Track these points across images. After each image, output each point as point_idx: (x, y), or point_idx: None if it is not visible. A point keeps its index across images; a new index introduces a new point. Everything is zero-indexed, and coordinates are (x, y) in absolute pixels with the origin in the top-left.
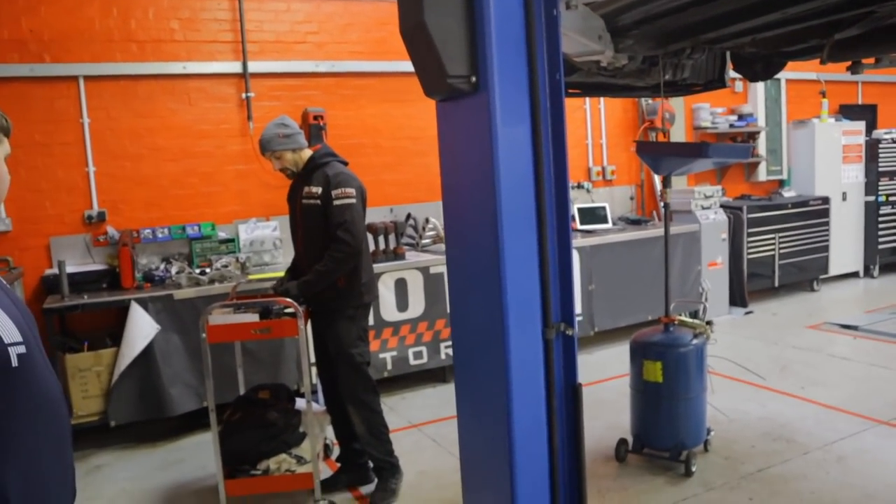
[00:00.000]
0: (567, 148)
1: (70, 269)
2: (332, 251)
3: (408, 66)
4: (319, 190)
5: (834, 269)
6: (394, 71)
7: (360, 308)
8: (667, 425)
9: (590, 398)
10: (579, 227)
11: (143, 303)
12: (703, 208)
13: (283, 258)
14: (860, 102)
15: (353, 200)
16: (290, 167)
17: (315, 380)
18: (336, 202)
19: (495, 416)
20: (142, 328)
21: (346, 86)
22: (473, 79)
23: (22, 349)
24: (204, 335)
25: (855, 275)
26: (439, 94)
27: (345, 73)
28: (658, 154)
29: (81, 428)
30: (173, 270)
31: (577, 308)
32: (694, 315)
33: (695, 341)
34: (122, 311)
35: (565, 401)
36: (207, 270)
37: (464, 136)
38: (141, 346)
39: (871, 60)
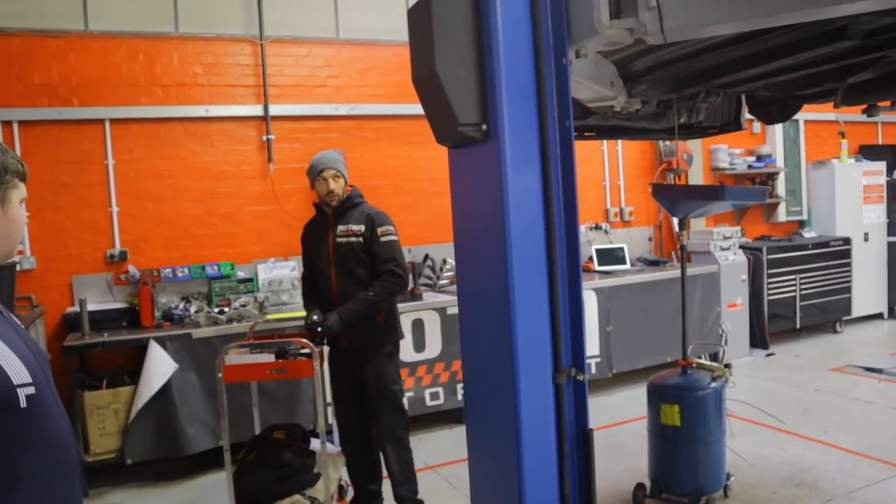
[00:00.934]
0: (577, 194)
1: (91, 307)
2: (384, 282)
3: None
4: (362, 228)
5: (857, 311)
6: (413, 114)
7: (397, 345)
8: (685, 470)
9: (607, 441)
10: (597, 267)
11: (161, 341)
12: (723, 249)
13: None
14: (880, 143)
15: (397, 238)
16: (339, 194)
17: (331, 419)
18: (383, 239)
19: (506, 461)
20: (160, 366)
21: (366, 128)
22: (484, 127)
23: (31, 390)
24: (220, 375)
25: (879, 316)
26: (451, 141)
27: (364, 116)
28: (674, 197)
29: (97, 465)
30: (192, 309)
31: (595, 349)
32: (714, 357)
33: (713, 384)
34: (140, 349)
35: (576, 447)
36: (226, 310)
37: (475, 182)
38: (159, 384)
39: (887, 103)
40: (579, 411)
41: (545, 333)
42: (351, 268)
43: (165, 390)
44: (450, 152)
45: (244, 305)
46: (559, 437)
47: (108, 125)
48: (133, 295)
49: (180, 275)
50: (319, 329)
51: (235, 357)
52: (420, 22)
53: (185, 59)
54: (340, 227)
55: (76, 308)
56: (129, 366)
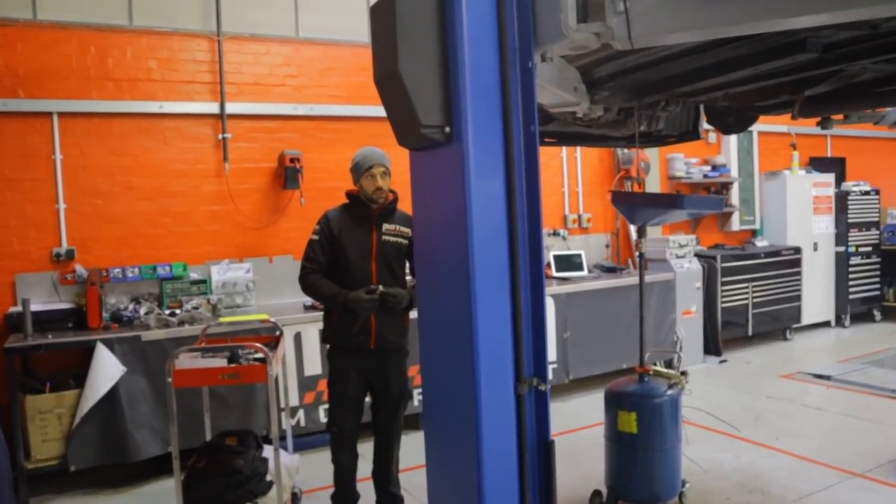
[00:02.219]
0: (541, 200)
1: (35, 307)
2: None
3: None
4: (410, 231)
5: (806, 319)
6: (372, 116)
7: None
8: (642, 477)
9: (564, 447)
10: (555, 274)
11: (109, 344)
12: (678, 257)
13: (256, 300)
14: (829, 155)
15: None
16: (387, 191)
17: (284, 424)
18: None
19: (465, 471)
20: (107, 370)
21: (324, 129)
22: (447, 129)
23: None
24: (169, 380)
25: (827, 324)
26: (413, 143)
27: (323, 117)
28: (633, 204)
29: (39, 472)
30: (142, 311)
31: (552, 356)
32: (668, 364)
33: (669, 392)
34: (87, 351)
35: (537, 457)
36: (177, 312)
37: (437, 186)
38: (106, 388)
39: (840, 116)
40: (540, 421)
41: (507, 342)
42: (392, 265)
43: (112, 394)
44: (411, 155)
45: (196, 308)
46: (520, 447)
47: (55, 119)
48: (80, 295)
49: (130, 275)
50: (397, 303)
51: (186, 361)
52: (383, 20)
53: (138, 53)
54: (387, 226)
55: (19, 308)
56: (75, 369)
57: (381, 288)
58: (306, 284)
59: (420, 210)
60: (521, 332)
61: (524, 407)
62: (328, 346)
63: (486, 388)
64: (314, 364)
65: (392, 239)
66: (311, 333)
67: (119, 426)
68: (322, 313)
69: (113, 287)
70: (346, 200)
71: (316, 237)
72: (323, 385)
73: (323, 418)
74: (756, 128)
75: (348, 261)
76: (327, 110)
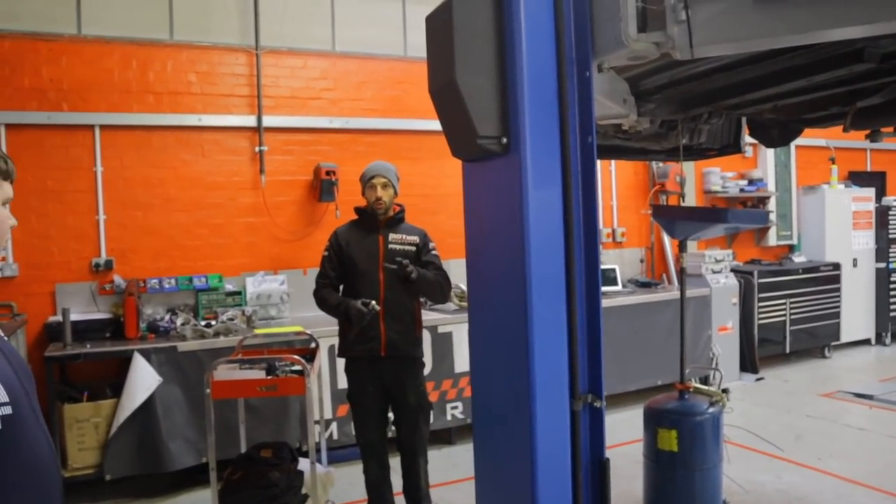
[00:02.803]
0: (598, 213)
1: (74, 316)
2: (443, 281)
3: (421, 124)
4: (416, 239)
5: (846, 336)
6: (406, 129)
7: None
8: (682, 496)
9: None
10: None
11: (146, 354)
12: (714, 272)
13: (290, 312)
14: (869, 169)
15: None
16: (386, 202)
17: (316, 438)
18: (433, 252)
19: (518, 489)
20: (143, 380)
21: (359, 142)
22: (504, 140)
23: (8, 410)
24: (208, 391)
25: (867, 342)
26: (468, 154)
27: (358, 130)
28: (674, 218)
29: (75, 481)
30: (178, 322)
31: None
32: (704, 380)
33: (711, 409)
34: (124, 361)
35: (592, 476)
36: (213, 323)
37: (492, 197)
38: (142, 398)
39: (891, 129)
40: (595, 439)
41: (562, 357)
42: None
43: (148, 404)
44: (465, 166)
45: (231, 319)
46: (574, 465)
47: (97, 131)
48: (118, 305)
49: (167, 286)
50: (402, 269)
51: (224, 373)
52: (439, 29)
53: (178, 66)
54: (393, 235)
55: (58, 317)
56: (112, 378)
57: (373, 303)
58: (318, 299)
59: (473, 221)
60: (576, 347)
61: (579, 424)
62: (344, 359)
63: (541, 403)
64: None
65: (399, 247)
66: None
67: (154, 436)
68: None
69: (150, 298)
70: (355, 215)
71: (326, 253)
72: None
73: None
74: (793, 142)
75: (357, 269)
76: (362, 123)
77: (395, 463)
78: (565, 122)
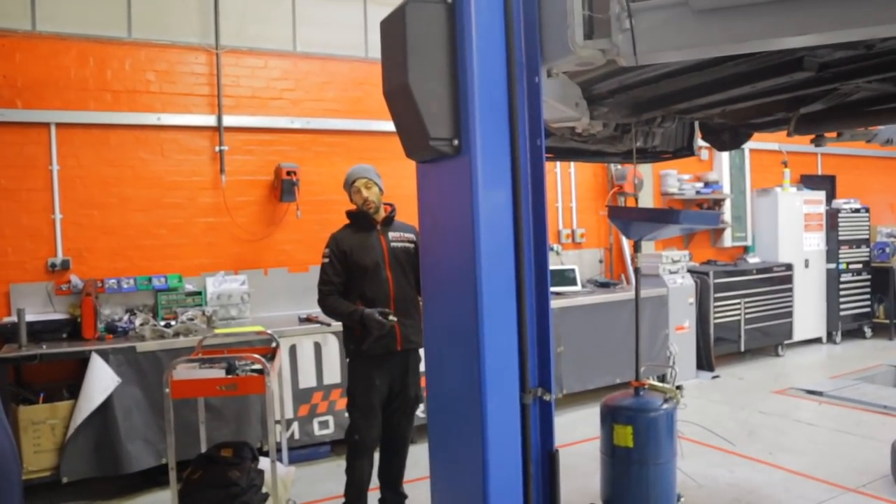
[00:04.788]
0: (546, 213)
1: (29, 317)
2: None
3: (382, 125)
4: (413, 236)
5: (798, 335)
6: (368, 130)
7: None
8: (637, 491)
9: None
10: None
11: (104, 354)
12: (671, 272)
13: (251, 312)
14: (820, 173)
15: None
16: (375, 201)
17: (279, 437)
18: None
19: (471, 482)
20: (101, 380)
21: (320, 143)
22: (456, 142)
23: None
24: (167, 390)
25: (818, 340)
26: (421, 155)
27: (319, 130)
28: (629, 219)
29: (31, 484)
30: (137, 322)
31: None
32: (661, 378)
33: (665, 406)
34: (81, 362)
35: (542, 468)
36: (172, 323)
37: (444, 197)
38: (100, 399)
39: (834, 134)
40: (545, 432)
41: (513, 352)
42: (405, 269)
43: (106, 405)
44: (418, 167)
45: (191, 319)
46: (524, 457)
47: (53, 129)
48: (75, 306)
49: (125, 286)
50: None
51: (184, 372)
52: (393, 34)
53: (137, 65)
54: (393, 234)
55: (13, 318)
56: (69, 379)
57: (392, 317)
58: (325, 306)
59: (427, 221)
60: (526, 343)
61: (529, 417)
62: (350, 358)
63: (491, 397)
64: (309, 376)
65: (400, 245)
66: (306, 346)
67: (112, 438)
68: (342, 328)
69: (108, 298)
70: (347, 220)
71: (327, 260)
72: (317, 398)
73: (318, 430)
74: (748, 145)
75: (365, 272)
76: (324, 124)
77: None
78: (515, 125)
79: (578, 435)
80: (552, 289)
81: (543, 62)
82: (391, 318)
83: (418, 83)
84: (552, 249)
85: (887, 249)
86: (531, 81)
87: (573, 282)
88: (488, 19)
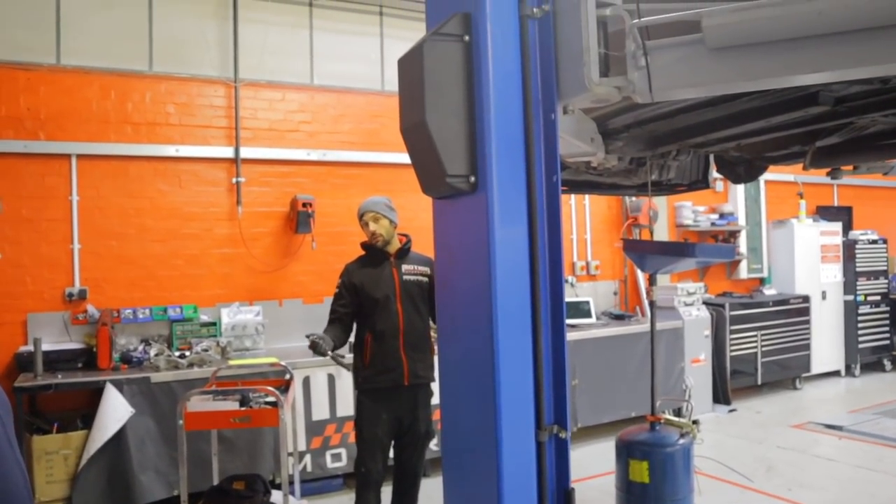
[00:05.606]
0: (563, 249)
1: (46, 346)
2: None
3: (397, 157)
4: (427, 269)
5: (816, 368)
6: (384, 162)
7: None
8: None
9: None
10: None
11: (118, 385)
12: (686, 305)
13: (266, 343)
14: (836, 204)
15: None
16: (383, 235)
17: (291, 470)
18: None
19: None
20: (115, 411)
21: (337, 174)
22: (472, 179)
23: None
24: (181, 422)
25: (836, 373)
26: (438, 192)
27: (335, 163)
28: (644, 252)
29: None
30: (152, 352)
31: None
32: (677, 412)
33: (681, 441)
34: (96, 392)
35: None
36: (187, 354)
37: (460, 234)
38: (113, 429)
39: (850, 167)
40: (561, 469)
41: (528, 389)
42: (417, 303)
43: (120, 436)
44: (435, 203)
45: (206, 350)
46: (540, 495)
47: (74, 160)
48: (91, 335)
49: (141, 316)
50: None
51: (198, 404)
52: (410, 71)
53: (157, 97)
54: (406, 267)
55: (30, 347)
56: (83, 409)
57: (321, 343)
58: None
59: (442, 256)
60: (542, 379)
61: (544, 454)
62: (357, 390)
63: (507, 434)
64: (322, 408)
65: (413, 279)
66: (320, 377)
67: (125, 468)
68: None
69: (123, 328)
70: (362, 251)
71: (337, 290)
72: (330, 430)
73: (330, 463)
74: (763, 177)
75: (376, 304)
76: (340, 156)
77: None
78: (531, 162)
79: (593, 469)
80: (567, 321)
81: (559, 99)
82: (322, 347)
83: (435, 120)
84: (567, 282)
85: None
86: (547, 118)
87: (588, 314)
88: (505, 56)
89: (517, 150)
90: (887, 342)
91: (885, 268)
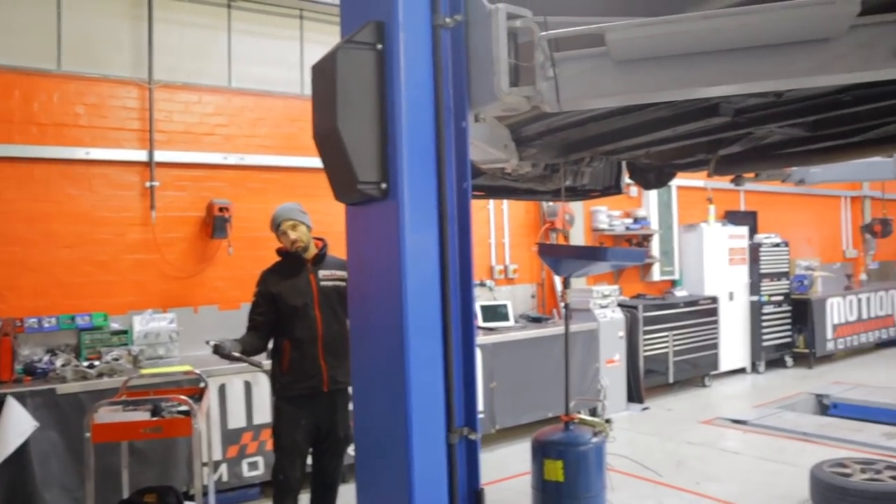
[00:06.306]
0: (472, 254)
1: None
2: None
3: (316, 161)
4: (345, 273)
5: (724, 366)
6: (302, 166)
7: None
8: None
9: (490, 498)
10: (481, 324)
11: (21, 397)
12: (602, 307)
13: (180, 351)
14: (743, 209)
15: None
16: (303, 241)
17: (206, 480)
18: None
19: None
20: (17, 425)
21: (254, 179)
22: (384, 185)
23: None
24: (88, 434)
25: (742, 371)
26: (350, 198)
27: (253, 167)
28: (559, 256)
29: None
30: (58, 363)
31: (479, 405)
32: (593, 412)
33: (594, 439)
34: None
35: None
36: (96, 363)
37: (372, 239)
38: (15, 444)
39: (752, 174)
40: (471, 470)
41: (439, 393)
42: (335, 308)
43: (22, 451)
44: (347, 209)
45: (116, 359)
46: (451, 497)
47: None
48: None
49: (46, 325)
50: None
51: (106, 415)
52: (324, 78)
53: (66, 98)
54: (323, 272)
55: None
56: None
57: (212, 342)
58: None
59: (355, 262)
60: (452, 383)
61: (455, 456)
62: (275, 396)
63: (418, 437)
64: (238, 416)
65: (331, 284)
66: (236, 385)
67: (28, 485)
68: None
69: (28, 338)
70: (278, 257)
71: (254, 299)
72: (247, 438)
73: (247, 472)
74: (675, 182)
75: (294, 312)
76: (257, 160)
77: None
78: (442, 169)
79: (512, 469)
80: (485, 325)
81: (470, 107)
82: (252, 359)
83: (347, 127)
84: (485, 285)
85: (805, 282)
86: (458, 126)
87: (506, 317)
88: (417, 65)
89: (428, 158)
90: (789, 340)
91: (786, 269)
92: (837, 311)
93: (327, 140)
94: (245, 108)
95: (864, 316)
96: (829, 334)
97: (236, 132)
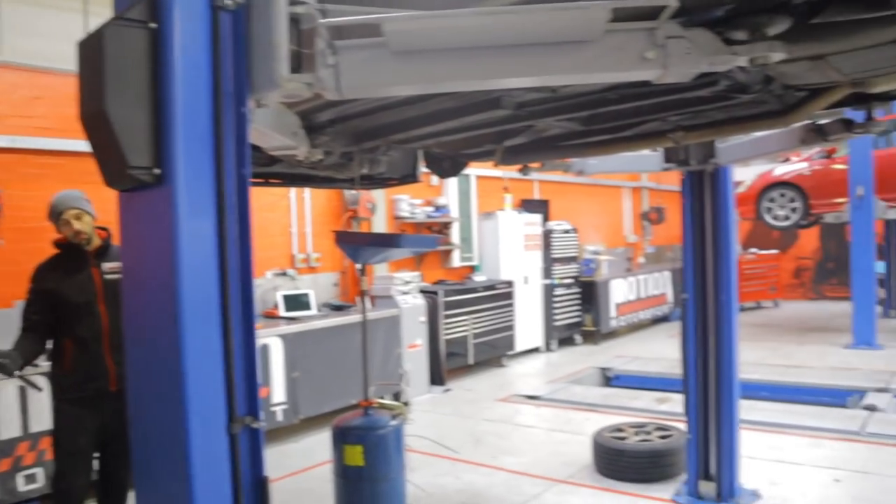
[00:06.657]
0: (252, 241)
1: None
2: None
3: None
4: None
5: (519, 346)
6: (86, 151)
7: None
8: None
9: (294, 487)
10: (283, 314)
11: None
12: (403, 293)
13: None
14: (537, 197)
15: None
16: (88, 232)
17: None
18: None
19: None
20: None
21: (30, 163)
22: (157, 171)
23: None
24: None
25: (537, 350)
26: (121, 184)
27: (28, 150)
28: (355, 244)
29: None
30: None
31: (282, 396)
32: (397, 396)
33: (393, 423)
34: None
35: (253, 496)
36: None
37: (146, 228)
38: None
39: (538, 164)
40: (255, 459)
41: (219, 384)
42: (121, 302)
43: None
44: (120, 196)
45: None
46: (235, 487)
47: None
48: None
49: None
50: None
51: None
52: (91, 57)
53: None
54: (107, 265)
55: None
56: None
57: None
58: None
59: (129, 252)
60: (232, 373)
61: (238, 446)
62: (55, 398)
63: (196, 430)
64: (12, 426)
65: (116, 277)
66: (9, 392)
67: None
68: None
69: None
70: (56, 250)
71: (29, 296)
72: (23, 449)
73: (23, 486)
74: (473, 171)
75: (76, 310)
76: (34, 143)
77: None
78: (220, 155)
79: (318, 458)
80: (287, 314)
81: (252, 93)
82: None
83: (116, 110)
84: (287, 275)
85: (592, 265)
86: (238, 111)
87: (307, 306)
88: (194, 47)
89: (205, 143)
90: (578, 319)
91: (576, 254)
92: (619, 291)
93: (94, 122)
94: (18, 85)
95: (643, 295)
96: (613, 313)
97: (7, 111)
